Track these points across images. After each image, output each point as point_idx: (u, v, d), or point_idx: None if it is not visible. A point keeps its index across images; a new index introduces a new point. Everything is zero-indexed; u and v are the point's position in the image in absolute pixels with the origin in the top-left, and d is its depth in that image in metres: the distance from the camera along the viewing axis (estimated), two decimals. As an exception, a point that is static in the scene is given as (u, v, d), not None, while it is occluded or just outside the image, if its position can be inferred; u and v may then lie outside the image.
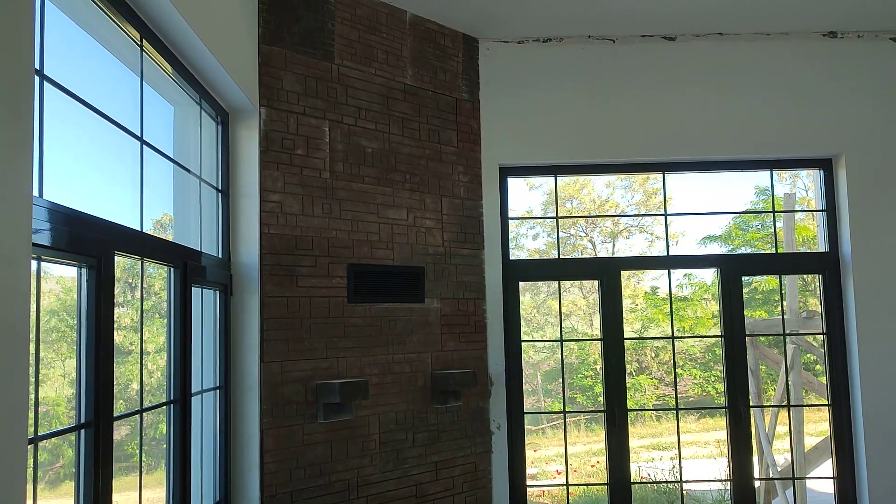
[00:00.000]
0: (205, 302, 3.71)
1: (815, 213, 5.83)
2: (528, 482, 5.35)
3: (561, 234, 6.25)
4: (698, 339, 18.00)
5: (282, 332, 4.03)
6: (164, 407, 3.12)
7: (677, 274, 17.60)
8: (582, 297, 19.29)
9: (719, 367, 17.71)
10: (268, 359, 3.95)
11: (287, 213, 4.11)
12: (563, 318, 5.94)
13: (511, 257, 5.35)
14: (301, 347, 4.11)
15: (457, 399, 4.80)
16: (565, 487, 5.76)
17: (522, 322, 5.40)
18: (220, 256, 3.86)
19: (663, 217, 5.54)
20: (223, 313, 3.83)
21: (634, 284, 18.60)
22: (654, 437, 16.78)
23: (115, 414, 2.50)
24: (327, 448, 4.17)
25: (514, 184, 5.44)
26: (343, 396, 4.04)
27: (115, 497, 2.69)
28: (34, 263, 2.08)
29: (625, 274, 5.37)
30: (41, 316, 2.13)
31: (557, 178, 5.50)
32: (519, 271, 5.39)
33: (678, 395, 8.56)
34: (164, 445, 3.19)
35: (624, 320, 5.38)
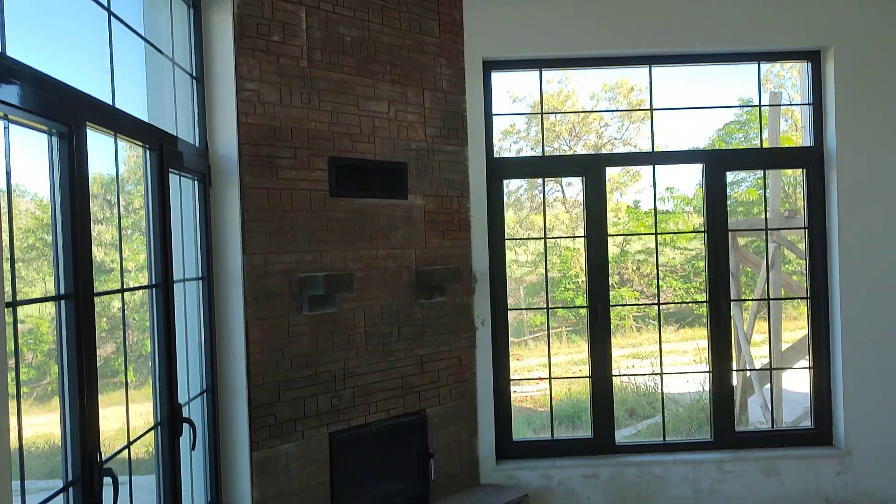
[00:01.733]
0: (184, 192, 3.63)
1: (800, 108, 5.78)
2: (512, 387, 5.44)
3: (546, 147, 6.16)
4: (682, 234, 18.04)
5: (263, 224, 3.98)
6: (147, 291, 3.10)
7: (659, 188, 17.61)
8: (565, 211, 19.30)
9: (699, 278, 17.96)
10: (250, 251, 3.92)
11: (265, 103, 3.99)
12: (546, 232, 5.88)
13: (495, 155, 5.29)
14: (283, 240, 4.07)
15: (441, 295, 4.82)
16: (548, 382, 5.87)
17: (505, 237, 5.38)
18: (197, 145, 3.77)
19: (648, 122, 5.47)
20: (203, 204, 3.76)
21: (617, 198, 18.61)
22: (634, 347, 17.16)
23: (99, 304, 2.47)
24: (313, 340, 4.19)
25: (497, 92, 5.31)
26: (327, 289, 4.04)
27: (104, 412, 2.68)
28: (1, 123, 2.00)
29: (607, 187, 5.31)
30: (17, 237, 2.06)
31: (543, 71, 5.37)
32: (503, 169, 5.34)
33: (660, 302, 8.61)
34: (148, 335, 3.18)
35: (608, 251, 5.37)
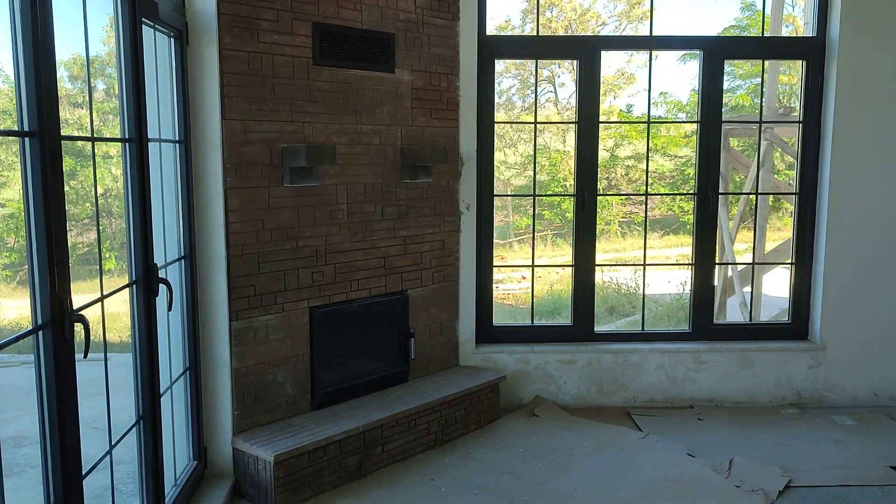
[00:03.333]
0: (159, 49, 3.45)
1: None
2: (495, 284, 5.41)
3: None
4: (675, 123, 17.82)
5: (243, 88, 3.82)
6: (120, 144, 2.98)
7: (653, 93, 17.28)
8: (557, 112, 18.98)
9: (688, 185, 17.90)
10: (229, 116, 3.77)
11: (245, -42, 3.76)
12: (536, 134, 5.68)
13: (487, 32, 5.08)
14: (264, 108, 3.92)
15: (427, 176, 4.72)
16: (530, 282, 5.85)
17: (496, 137, 5.23)
18: (172, -1, 3.56)
19: (646, 22, 5.24)
20: (179, 63, 3.58)
21: (610, 101, 18.28)
22: (618, 252, 17.28)
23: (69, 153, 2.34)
24: (294, 213, 4.10)
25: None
26: (309, 160, 3.92)
27: (87, 296, 2.58)
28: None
29: (601, 89, 5.12)
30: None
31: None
32: (495, 47, 5.14)
33: (647, 192, 8.60)
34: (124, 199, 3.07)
35: (599, 138, 5.23)
